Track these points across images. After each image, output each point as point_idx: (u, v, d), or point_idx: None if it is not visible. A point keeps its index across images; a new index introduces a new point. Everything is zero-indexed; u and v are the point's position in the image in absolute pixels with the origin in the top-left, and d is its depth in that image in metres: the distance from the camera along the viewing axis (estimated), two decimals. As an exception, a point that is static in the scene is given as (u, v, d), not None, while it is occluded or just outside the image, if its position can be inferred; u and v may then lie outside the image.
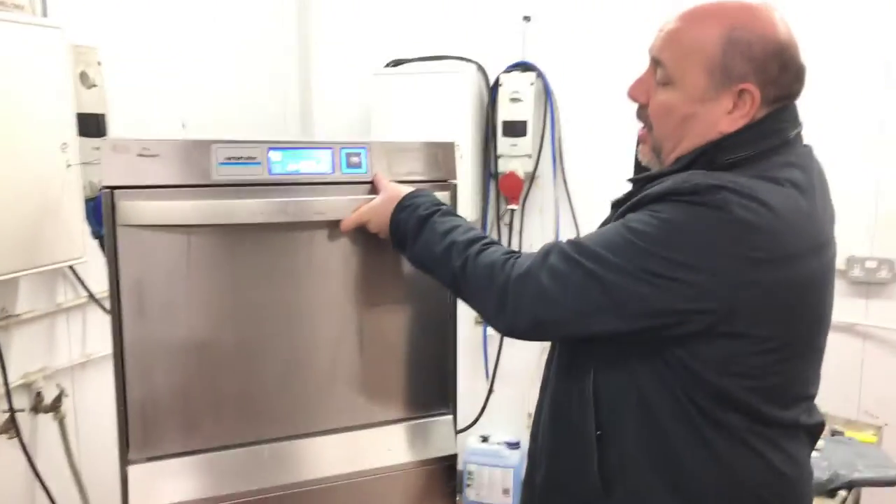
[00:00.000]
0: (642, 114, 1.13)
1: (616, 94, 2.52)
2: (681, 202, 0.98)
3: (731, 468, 1.03)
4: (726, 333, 0.98)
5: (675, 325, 0.99)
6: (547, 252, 1.06)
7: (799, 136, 1.08)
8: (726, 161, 1.02)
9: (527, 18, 2.67)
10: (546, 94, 2.66)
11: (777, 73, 1.02)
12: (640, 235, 0.99)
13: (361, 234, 1.36)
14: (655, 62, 1.08)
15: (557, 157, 2.69)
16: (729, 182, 0.97)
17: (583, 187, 2.68)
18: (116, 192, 1.22)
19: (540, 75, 2.64)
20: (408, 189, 1.31)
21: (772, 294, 0.98)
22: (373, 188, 1.37)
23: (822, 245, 1.04)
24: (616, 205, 1.13)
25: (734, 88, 1.02)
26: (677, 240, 0.97)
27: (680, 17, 1.06)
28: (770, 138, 1.04)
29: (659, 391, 1.03)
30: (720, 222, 0.95)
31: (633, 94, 1.13)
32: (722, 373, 1.00)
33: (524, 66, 2.65)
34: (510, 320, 1.07)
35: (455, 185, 1.46)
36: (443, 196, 1.38)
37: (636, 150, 1.17)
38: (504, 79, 2.64)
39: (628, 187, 1.14)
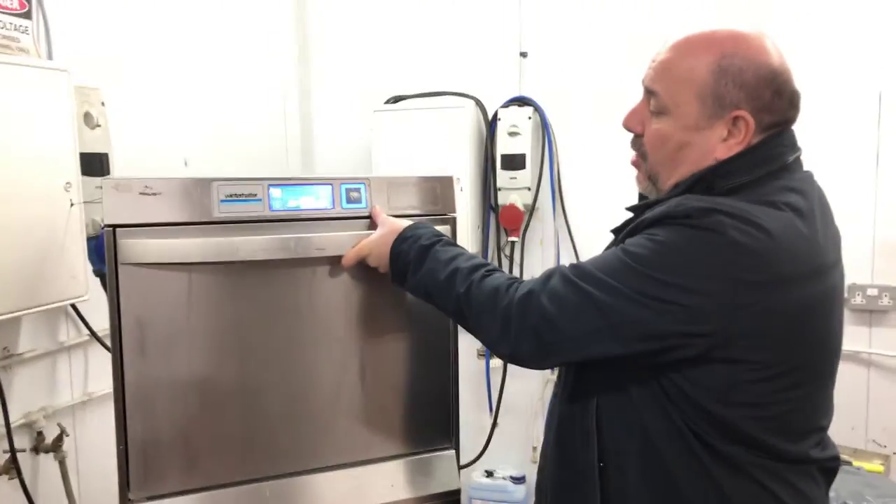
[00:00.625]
0: (637, 143, 1.14)
1: (612, 127, 2.57)
2: (675, 225, 0.99)
3: (734, 503, 1.01)
4: (724, 359, 0.98)
5: (672, 349, 0.99)
6: (549, 275, 1.07)
7: (798, 160, 1.08)
8: (724, 187, 1.03)
9: (523, 55, 2.72)
10: (544, 128, 2.69)
11: (770, 98, 1.03)
12: (635, 258, 1.00)
13: (362, 268, 1.37)
14: (649, 92, 1.10)
15: (556, 189, 2.71)
16: (723, 206, 0.98)
17: (582, 218, 2.70)
18: (119, 230, 1.23)
19: (537, 109, 2.67)
20: (408, 222, 1.32)
21: (768, 318, 0.97)
22: (371, 222, 1.39)
23: (823, 269, 1.03)
24: (616, 232, 1.15)
25: (727, 116, 1.03)
26: (671, 262, 0.98)
27: (672, 48, 1.08)
28: (767, 164, 1.04)
29: (660, 422, 1.03)
30: (713, 244, 0.96)
31: (627, 124, 1.14)
32: (724, 402, 0.99)
33: (521, 101, 2.69)
34: (513, 344, 1.07)
35: (454, 219, 1.48)
36: (444, 229, 1.40)
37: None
38: (502, 113, 2.67)
39: (627, 215, 1.15)
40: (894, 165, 2.29)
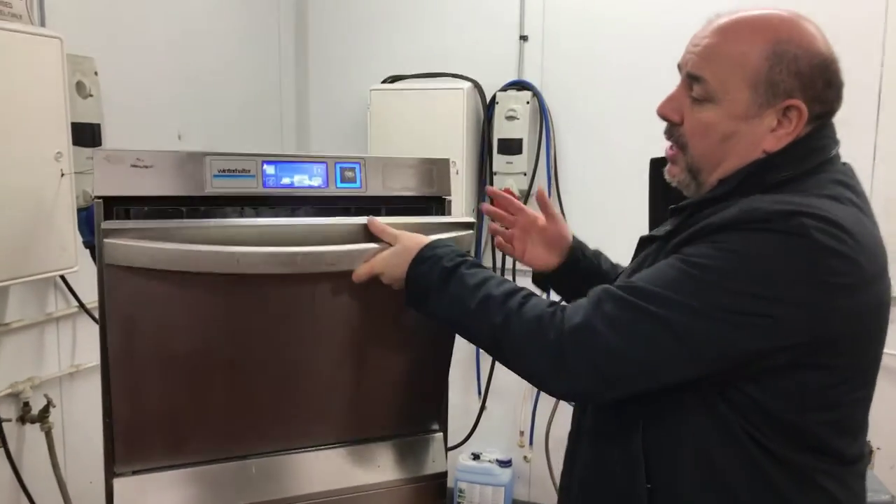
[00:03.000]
0: (674, 133, 1.06)
1: (612, 114, 2.57)
2: (753, 230, 0.91)
3: None
4: (807, 365, 0.93)
5: (753, 363, 0.92)
6: (598, 300, 0.96)
7: (838, 154, 1.03)
8: (774, 181, 0.98)
9: (524, 38, 2.69)
10: (542, 113, 2.67)
11: (822, 88, 0.97)
12: (706, 270, 0.91)
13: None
14: (692, 78, 1.01)
15: (553, 175, 2.70)
16: (801, 206, 0.91)
17: (578, 205, 2.69)
18: (106, 232, 1.14)
19: (536, 94, 2.66)
20: (426, 239, 1.18)
21: (851, 321, 0.93)
22: (368, 233, 1.25)
23: (885, 266, 0.99)
24: (649, 239, 1.08)
25: (779, 105, 0.97)
26: (754, 271, 0.90)
27: (718, 31, 1.00)
28: (816, 155, 0.99)
29: (720, 435, 0.96)
30: (800, 249, 0.89)
31: (665, 112, 1.05)
32: (799, 409, 0.94)
33: (520, 85, 2.67)
34: (570, 381, 0.96)
35: (449, 202, 1.46)
36: (455, 238, 1.28)
37: (665, 172, 1.10)
38: (500, 97, 2.66)
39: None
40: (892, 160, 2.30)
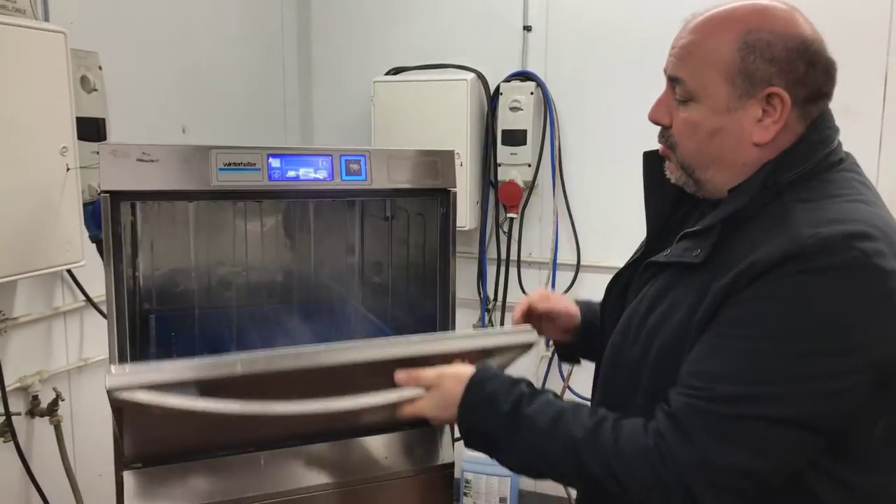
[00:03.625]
0: (665, 135, 1.06)
1: (616, 106, 2.56)
2: (810, 271, 0.86)
3: None
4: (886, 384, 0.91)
5: (856, 403, 0.89)
6: (683, 422, 0.90)
7: (840, 143, 1.02)
8: (788, 179, 0.96)
9: (527, 28, 2.68)
10: (546, 104, 2.66)
11: (805, 70, 0.95)
12: (787, 339, 0.87)
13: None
14: (673, 80, 1.03)
15: (557, 167, 2.69)
16: (847, 224, 0.88)
17: (582, 197, 2.69)
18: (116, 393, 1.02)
19: (540, 85, 2.65)
20: (466, 374, 1.08)
21: None
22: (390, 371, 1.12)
23: None
24: (654, 265, 1.05)
25: (760, 94, 0.96)
26: (834, 324, 0.86)
27: (692, 30, 1.01)
28: (821, 146, 0.98)
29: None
30: (868, 282, 0.86)
31: (655, 117, 1.06)
32: (875, 423, 0.93)
33: (524, 76, 2.66)
34: None
35: (454, 194, 1.47)
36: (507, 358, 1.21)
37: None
38: (504, 88, 2.65)
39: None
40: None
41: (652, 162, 1.13)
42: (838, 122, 1.02)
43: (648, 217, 1.17)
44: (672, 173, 1.07)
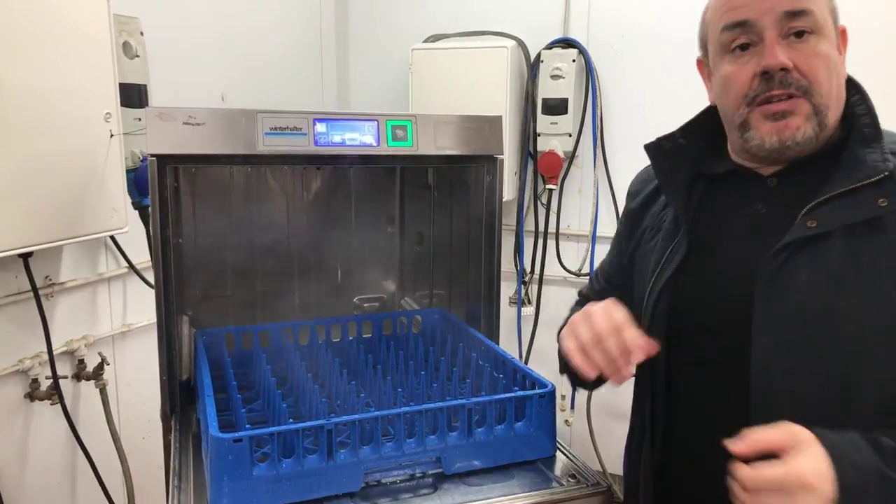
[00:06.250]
0: (786, 80, 0.94)
1: (660, 73, 2.48)
2: None
3: None
4: None
5: None
6: None
7: None
8: (865, 122, 0.97)
9: (570, -7, 2.61)
10: (588, 73, 2.60)
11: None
12: None
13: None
14: (795, 14, 0.94)
15: (598, 137, 2.63)
16: None
17: (624, 169, 2.62)
18: None
19: (582, 52, 2.58)
20: (820, 465, 0.79)
21: None
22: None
23: None
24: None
25: (840, 29, 0.99)
26: None
27: None
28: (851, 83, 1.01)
29: None
30: None
31: (783, 60, 0.93)
32: None
33: (566, 43, 2.60)
34: None
35: (501, 161, 1.43)
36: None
37: (781, 136, 0.96)
38: (545, 55, 2.59)
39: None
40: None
41: (659, 155, 1.12)
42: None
43: (679, 210, 1.07)
44: (800, 128, 0.95)
